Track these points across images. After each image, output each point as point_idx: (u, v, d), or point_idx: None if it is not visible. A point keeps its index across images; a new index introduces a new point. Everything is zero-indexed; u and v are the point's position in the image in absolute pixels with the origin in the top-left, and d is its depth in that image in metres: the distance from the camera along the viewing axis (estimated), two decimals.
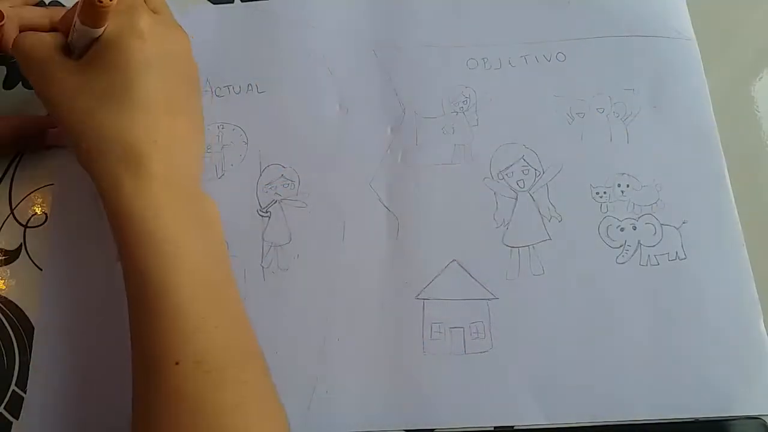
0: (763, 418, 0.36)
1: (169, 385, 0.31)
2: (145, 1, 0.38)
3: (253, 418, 0.32)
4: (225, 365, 0.32)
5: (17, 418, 0.38)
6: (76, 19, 0.35)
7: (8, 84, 0.47)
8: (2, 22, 0.43)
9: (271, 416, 0.33)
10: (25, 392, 0.39)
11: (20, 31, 0.45)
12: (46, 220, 0.43)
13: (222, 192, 0.42)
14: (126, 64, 0.35)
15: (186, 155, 0.37)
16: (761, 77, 0.44)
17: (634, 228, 0.40)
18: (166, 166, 0.35)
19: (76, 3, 0.35)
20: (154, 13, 0.38)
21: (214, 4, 0.48)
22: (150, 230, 0.33)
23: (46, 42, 0.37)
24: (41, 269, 0.41)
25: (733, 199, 0.40)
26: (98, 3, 0.33)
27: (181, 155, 0.37)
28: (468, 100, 0.44)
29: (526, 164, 0.42)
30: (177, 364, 0.31)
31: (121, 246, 0.34)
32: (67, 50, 0.38)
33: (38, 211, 0.43)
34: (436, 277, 0.40)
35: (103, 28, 0.35)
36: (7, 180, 0.44)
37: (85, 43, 0.36)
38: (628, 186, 0.41)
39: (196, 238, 0.35)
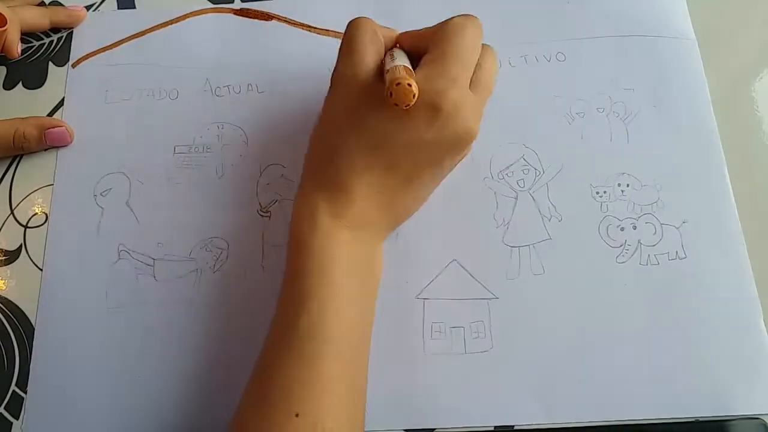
0: (763, 417, 0.36)
1: None
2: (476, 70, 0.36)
3: None
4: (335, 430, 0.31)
5: (17, 418, 0.38)
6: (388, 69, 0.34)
7: (8, 84, 0.47)
8: (5, 27, 0.43)
9: None
10: (25, 392, 0.39)
11: (21, 32, 0.46)
12: (46, 220, 0.43)
13: (222, 192, 0.42)
14: (402, 131, 0.34)
15: (390, 218, 0.37)
16: (761, 77, 0.44)
17: (634, 227, 0.40)
18: (365, 218, 0.35)
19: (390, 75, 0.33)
20: (472, 88, 0.35)
21: (213, 3, 0.48)
22: (326, 266, 0.33)
23: (380, 47, 0.36)
24: (41, 269, 0.41)
25: (733, 199, 0.40)
26: (404, 107, 0.32)
27: (384, 216, 0.36)
28: None
29: (526, 164, 0.42)
30: (297, 416, 0.30)
31: (292, 266, 0.34)
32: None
33: (38, 211, 0.43)
34: (436, 276, 0.40)
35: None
36: (7, 180, 0.44)
37: None
38: (628, 185, 0.41)
39: (358, 293, 0.34)
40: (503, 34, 0.45)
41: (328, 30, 0.46)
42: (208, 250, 0.41)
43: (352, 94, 0.35)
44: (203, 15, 0.48)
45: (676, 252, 0.40)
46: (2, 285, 0.41)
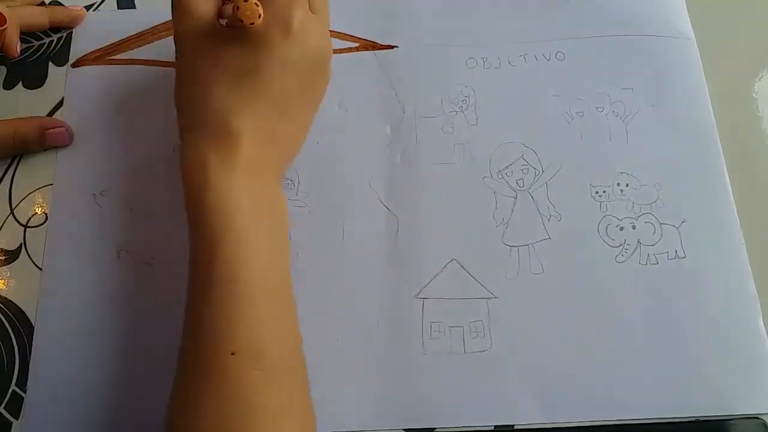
0: (763, 417, 0.36)
1: (220, 375, 0.30)
2: None
3: (297, 422, 0.32)
4: (278, 363, 0.31)
5: (17, 418, 0.38)
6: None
7: (8, 84, 0.47)
8: (4, 26, 0.43)
9: (309, 422, 0.33)
10: (25, 392, 0.39)
11: (21, 32, 0.46)
12: (46, 220, 0.43)
13: None
14: (262, 55, 0.35)
15: (278, 152, 0.37)
16: (761, 77, 0.44)
17: (634, 227, 0.40)
18: (256, 158, 0.35)
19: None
20: (312, 11, 0.37)
21: None
22: (227, 215, 0.33)
23: (204, 5, 0.37)
24: (41, 269, 0.41)
25: (732, 198, 0.40)
26: (249, 25, 0.33)
27: (273, 151, 0.36)
28: (467, 99, 0.44)
29: (526, 163, 0.42)
30: (233, 354, 0.30)
31: (194, 223, 0.34)
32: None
33: (38, 211, 0.43)
34: (435, 276, 0.40)
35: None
36: (7, 180, 0.44)
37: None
38: (627, 185, 0.41)
39: (268, 232, 0.34)
40: (502, 32, 0.45)
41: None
42: None
43: (200, 39, 0.36)
44: None
45: (676, 251, 0.40)
46: (2, 285, 0.41)
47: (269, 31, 0.35)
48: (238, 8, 0.33)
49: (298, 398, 0.32)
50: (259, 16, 0.33)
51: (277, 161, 0.37)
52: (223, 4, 0.37)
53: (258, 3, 0.33)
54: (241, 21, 0.33)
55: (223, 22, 0.37)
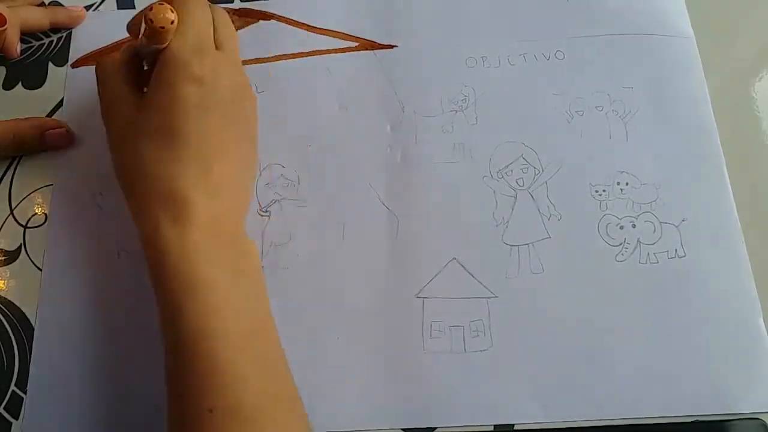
0: (763, 417, 0.36)
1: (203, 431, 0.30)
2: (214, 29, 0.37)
3: None
4: (258, 413, 0.31)
5: (17, 418, 0.38)
6: (141, 35, 0.35)
7: (8, 84, 0.47)
8: (4, 27, 0.43)
9: None
10: (25, 392, 0.39)
11: (21, 32, 0.46)
12: (45, 221, 0.43)
13: None
14: (179, 108, 0.35)
15: (230, 199, 0.37)
16: (761, 77, 0.44)
17: (634, 226, 0.40)
18: (208, 211, 0.34)
19: (144, 9, 0.34)
20: (218, 48, 0.37)
21: (213, 3, 0.48)
22: (188, 276, 0.33)
23: (115, 69, 0.38)
24: (41, 269, 0.41)
25: (732, 197, 0.40)
26: (159, 28, 0.33)
27: (224, 200, 0.36)
28: (467, 98, 0.44)
29: (526, 162, 0.42)
30: (210, 411, 0.30)
31: (158, 288, 0.33)
32: (136, 72, 0.38)
33: (38, 211, 0.43)
34: (435, 275, 0.40)
35: (167, 43, 0.35)
36: (6, 180, 0.44)
37: (151, 52, 0.36)
38: (627, 184, 0.41)
39: (234, 284, 0.34)
40: (502, 32, 0.45)
41: (328, 30, 0.46)
42: None
43: (123, 110, 0.37)
44: None
45: (676, 250, 0.40)
46: (2, 285, 0.41)
47: (180, 86, 0.35)
48: (151, 8, 0.32)
49: None
50: (172, 23, 0.33)
51: (230, 207, 0.37)
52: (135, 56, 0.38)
53: (173, 9, 0.33)
54: (151, 22, 0.33)
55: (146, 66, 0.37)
